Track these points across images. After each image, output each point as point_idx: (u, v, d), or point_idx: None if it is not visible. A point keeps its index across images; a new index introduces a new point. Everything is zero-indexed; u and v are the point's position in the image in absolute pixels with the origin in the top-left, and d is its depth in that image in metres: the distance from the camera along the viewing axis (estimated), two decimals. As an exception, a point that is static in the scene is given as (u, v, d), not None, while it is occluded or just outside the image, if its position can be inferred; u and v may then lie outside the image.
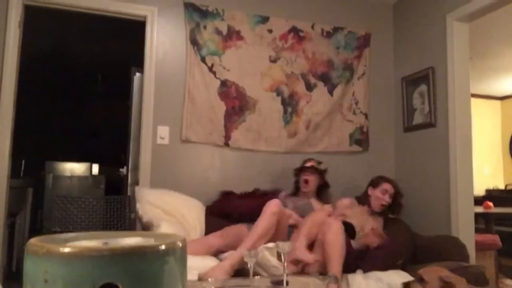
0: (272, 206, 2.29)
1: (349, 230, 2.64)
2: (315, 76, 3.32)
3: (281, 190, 2.97)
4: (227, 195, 2.91)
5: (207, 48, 3.05)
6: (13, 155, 2.73)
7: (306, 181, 2.87)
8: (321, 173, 2.92)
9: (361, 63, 3.47)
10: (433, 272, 1.78)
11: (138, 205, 2.58)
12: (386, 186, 2.79)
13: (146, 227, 2.48)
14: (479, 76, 5.65)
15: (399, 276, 2.21)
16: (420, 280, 1.76)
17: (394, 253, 2.38)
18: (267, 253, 2.07)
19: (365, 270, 2.25)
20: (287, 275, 1.73)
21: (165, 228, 2.28)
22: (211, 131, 3.03)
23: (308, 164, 2.91)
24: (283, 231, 2.38)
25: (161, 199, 2.61)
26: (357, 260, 2.35)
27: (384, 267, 2.26)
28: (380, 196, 2.77)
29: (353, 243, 2.62)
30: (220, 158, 3.08)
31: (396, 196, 2.80)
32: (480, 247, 3.25)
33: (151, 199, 2.59)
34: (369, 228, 2.71)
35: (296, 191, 2.97)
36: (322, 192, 2.97)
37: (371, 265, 2.25)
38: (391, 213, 2.86)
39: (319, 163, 2.94)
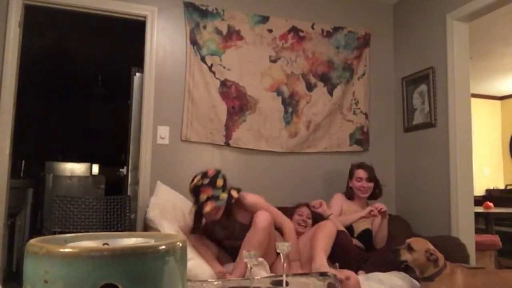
0: (263, 220, 2.11)
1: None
2: (315, 76, 3.32)
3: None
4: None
5: (207, 48, 3.05)
6: (13, 155, 2.73)
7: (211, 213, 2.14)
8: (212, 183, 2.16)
9: (361, 63, 3.47)
10: (421, 243, 2.06)
11: (152, 199, 2.62)
12: (358, 173, 2.82)
13: (148, 223, 2.49)
14: (479, 76, 5.65)
15: (401, 278, 2.21)
16: (409, 248, 2.03)
17: None
18: (263, 271, 2.04)
19: (367, 272, 2.25)
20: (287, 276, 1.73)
21: (168, 228, 2.27)
22: (212, 131, 3.03)
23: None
24: (273, 245, 2.15)
25: (169, 201, 2.63)
26: (360, 262, 2.35)
27: (386, 269, 2.26)
28: (357, 184, 2.81)
29: (356, 241, 2.64)
30: (220, 158, 3.08)
31: (371, 179, 2.81)
32: (480, 247, 3.25)
33: (164, 198, 2.63)
34: (365, 225, 2.73)
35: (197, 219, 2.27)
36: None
37: (376, 268, 2.25)
38: (373, 198, 2.86)
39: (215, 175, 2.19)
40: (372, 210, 2.55)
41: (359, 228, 2.72)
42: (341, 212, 2.78)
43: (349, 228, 2.68)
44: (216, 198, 2.12)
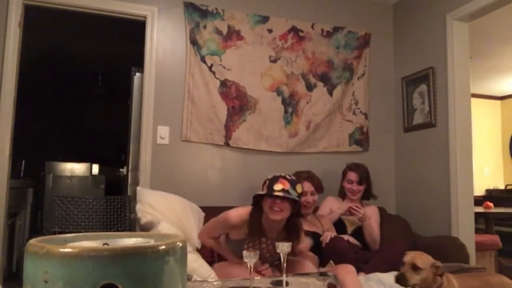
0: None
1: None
2: (315, 76, 3.32)
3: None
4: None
5: (207, 47, 3.05)
6: (13, 155, 2.73)
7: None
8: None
9: (361, 63, 3.47)
10: (424, 258, 1.77)
11: (138, 206, 2.42)
12: (350, 175, 2.85)
13: (144, 230, 2.42)
14: (479, 76, 5.65)
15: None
16: (414, 268, 1.73)
17: (399, 256, 2.39)
18: None
19: (368, 272, 2.25)
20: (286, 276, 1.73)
21: (164, 230, 2.22)
22: (211, 131, 3.03)
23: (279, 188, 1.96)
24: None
25: (162, 203, 2.46)
26: (360, 263, 2.35)
27: (387, 270, 2.26)
28: (348, 186, 2.84)
29: (351, 238, 2.65)
30: (220, 158, 3.08)
31: (361, 182, 2.82)
32: (480, 247, 3.25)
33: (152, 201, 2.43)
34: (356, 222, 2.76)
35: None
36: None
37: (376, 269, 2.25)
38: (365, 199, 2.90)
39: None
40: (351, 207, 2.64)
41: (352, 225, 2.77)
42: (330, 214, 2.83)
43: (341, 226, 2.73)
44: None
